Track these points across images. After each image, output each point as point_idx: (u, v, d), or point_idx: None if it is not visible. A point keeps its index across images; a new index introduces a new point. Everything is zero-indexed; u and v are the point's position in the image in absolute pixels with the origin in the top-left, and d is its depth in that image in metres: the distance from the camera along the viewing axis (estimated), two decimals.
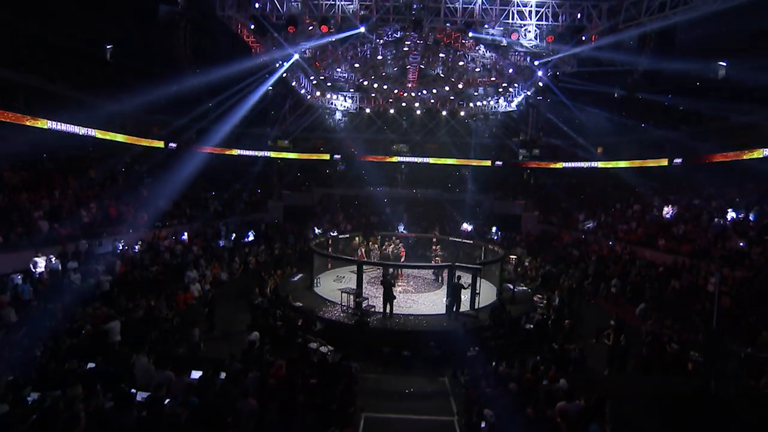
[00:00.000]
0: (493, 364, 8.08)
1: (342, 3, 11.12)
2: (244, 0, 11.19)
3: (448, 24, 11.16)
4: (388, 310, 11.16)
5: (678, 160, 25.80)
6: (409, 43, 12.55)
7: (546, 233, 27.21)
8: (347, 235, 18.28)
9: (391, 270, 12.64)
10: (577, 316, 13.48)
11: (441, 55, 14.14)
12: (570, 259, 20.46)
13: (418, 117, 26.58)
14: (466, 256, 18.74)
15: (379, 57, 13.47)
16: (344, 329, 10.64)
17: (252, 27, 11.51)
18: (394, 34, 12.45)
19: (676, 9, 9.35)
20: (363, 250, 15.99)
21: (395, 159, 33.62)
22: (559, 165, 32.11)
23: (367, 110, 23.37)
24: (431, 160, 33.26)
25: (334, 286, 14.24)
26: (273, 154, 31.80)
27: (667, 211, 18.44)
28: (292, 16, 10.97)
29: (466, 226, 26.52)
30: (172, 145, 27.12)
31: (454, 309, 11.64)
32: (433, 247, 18.46)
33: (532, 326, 11.57)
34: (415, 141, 33.12)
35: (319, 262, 14.75)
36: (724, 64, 21.36)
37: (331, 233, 24.90)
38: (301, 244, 21.41)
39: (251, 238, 18.47)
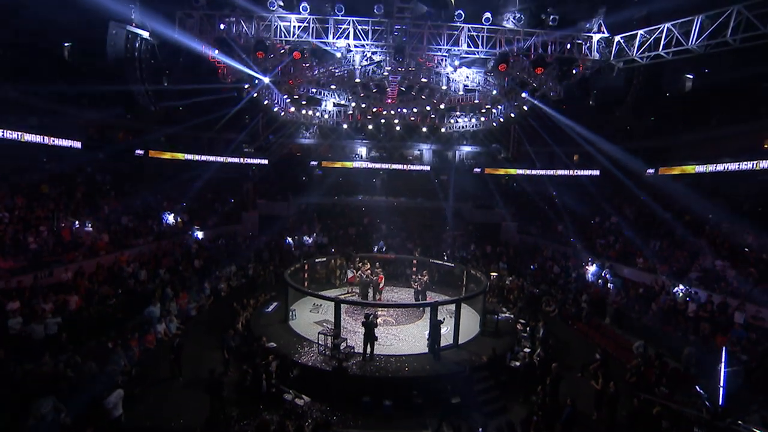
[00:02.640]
0: (480, 430, 7.55)
1: (316, 26, 10.28)
2: (208, 21, 10.17)
3: (431, 51, 10.57)
4: (368, 352, 10.51)
5: (650, 170, 26.30)
6: (389, 68, 11.85)
7: (525, 244, 27.20)
8: (324, 259, 17.46)
9: (372, 309, 11.98)
10: (561, 345, 13.30)
11: (423, 79, 13.53)
12: (550, 276, 20.37)
13: (396, 130, 26.04)
14: (446, 276, 18.31)
15: (357, 79, 12.75)
16: (321, 376, 9.92)
17: (216, 52, 10.52)
18: (372, 57, 11.72)
19: (669, 49, 9.06)
20: (354, 273, 15.29)
21: (375, 165, 33.01)
22: (538, 173, 32.36)
23: (345, 126, 22.58)
24: (409, 167, 32.83)
25: (310, 318, 13.48)
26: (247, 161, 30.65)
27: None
28: (261, 41, 10.06)
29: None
30: (139, 151, 25.51)
31: (436, 347, 11.11)
32: (413, 269, 17.98)
33: (518, 364, 11.21)
34: (391, 148, 32.59)
35: (293, 292, 13.92)
36: (691, 76, 21.46)
37: (307, 240, 24.02)
38: (277, 261, 20.46)
39: None
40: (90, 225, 16.52)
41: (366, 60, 11.72)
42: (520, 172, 32.88)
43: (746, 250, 15.78)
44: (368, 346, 10.53)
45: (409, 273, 18.76)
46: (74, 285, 13.01)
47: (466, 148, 33.90)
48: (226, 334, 11.24)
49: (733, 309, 13.31)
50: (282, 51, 10.99)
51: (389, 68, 11.71)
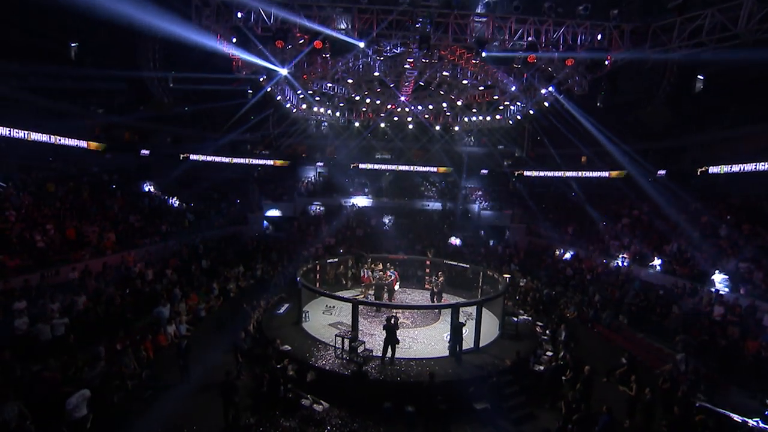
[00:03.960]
0: None
1: (338, 14, 9.92)
2: (225, 9, 9.80)
3: (456, 42, 10.18)
4: (389, 355, 10.08)
5: (661, 172, 25.86)
6: (411, 60, 11.46)
7: (534, 245, 26.74)
8: (335, 259, 17.04)
9: (393, 312, 11.56)
10: (582, 349, 12.83)
11: (445, 73, 13.12)
12: (565, 278, 19.92)
13: (408, 128, 25.66)
14: (461, 279, 17.83)
15: (376, 73, 12.32)
16: (340, 380, 9.49)
17: (234, 40, 10.13)
18: (394, 50, 11.38)
19: (712, 36, 8.61)
20: (368, 273, 14.82)
21: (382, 166, 32.69)
22: (547, 174, 31.97)
23: (356, 124, 22.22)
24: (416, 168, 32.50)
25: (324, 320, 13.06)
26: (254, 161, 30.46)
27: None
28: (281, 30, 9.69)
29: (454, 240, 25.88)
30: (145, 151, 25.33)
31: (458, 350, 10.69)
32: (427, 270, 17.54)
33: (542, 368, 10.78)
34: (400, 148, 32.26)
35: (305, 293, 13.50)
36: (702, 77, 20.85)
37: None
38: (285, 262, 20.08)
39: None
40: (96, 224, 16.19)
41: (387, 53, 11.34)
42: (528, 173, 32.59)
43: None
44: (389, 349, 10.10)
45: (420, 274, 18.34)
46: (81, 284, 12.65)
47: (475, 149, 33.57)
48: (237, 336, 10.83)
49: (762, 312, 12.86)
50: (301, 41, 10.62)
51: (411, 60, 11.31)
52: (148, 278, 14.66)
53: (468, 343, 11.29)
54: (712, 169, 22.08)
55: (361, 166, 32.21)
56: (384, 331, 10.14)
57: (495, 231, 28.81)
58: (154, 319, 11.53)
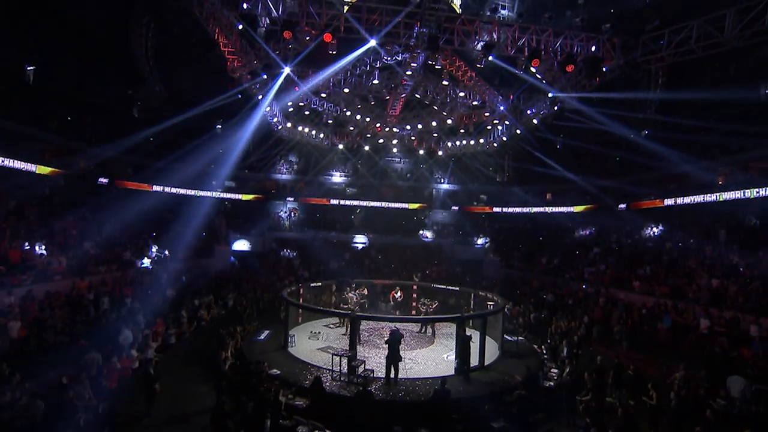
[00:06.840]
0: None
1: (349, 14, 9.79)
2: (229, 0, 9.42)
3: (462, 46, 10.43)
4: (392, 375, 9.05)
5: (622, 206, 27.46)
6: (414, 65, 11.47)
7: (510, 277, 26.77)
8: (318, 284, 15.89)
9: (394, 325, 10.64)
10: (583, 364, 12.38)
11: (445, 82, 13.34)
12: (547, 304, 19.79)
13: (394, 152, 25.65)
14: (447, 306, 17.13)
15: (375, 81, 12.27)
16: (342, 403, 8.28)
17: (240, 27, 9.63)
18: (396, 57, 11.42)
19: (700, 44, 9.41)
20: (357, 297, 13.76)
21: (353, 203, 32.29)
22: (514, 210, 32.96)
23: (340, 146, 21.96)
24: (386, 205, 32.39)
25: (311, 345, 11.78)
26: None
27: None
28: (289, 21, 9.37)
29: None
30: (103, 180, 23.51)
31: (465, 367, 9.86)
32: (414, 295, 16.73)
33: (551, 384, 10.15)
34: (369, 184, 32.16)
35: (290, 316, 12.26)
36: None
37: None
38: (258, 293, 18.56)
39: None
40: (44, 247, 14.27)
41: (390, 58, 11.31)
42: (497, 210, 33.44)
43: (741, 269, 16.05)
44: (392, 368, 9.09)
45: (400, 300, 17.39)
46: (22, 311, 10.73)
47: (445, 186, 34.24)
48: (218, 356, 9.41)
49: (746, 323, 13.18)
50: (308, 38, 10.30)
51: (413, 65, 11.31)
52: (104, 306, 12.81)
53: (472, 360, 10.49)
54: (667, 201, 23.67)
55: (332, 202, 31.67)
56: (386, 348, 9.17)
57: (470, 265, 28.68)
58: (118, 345, 9.82)
